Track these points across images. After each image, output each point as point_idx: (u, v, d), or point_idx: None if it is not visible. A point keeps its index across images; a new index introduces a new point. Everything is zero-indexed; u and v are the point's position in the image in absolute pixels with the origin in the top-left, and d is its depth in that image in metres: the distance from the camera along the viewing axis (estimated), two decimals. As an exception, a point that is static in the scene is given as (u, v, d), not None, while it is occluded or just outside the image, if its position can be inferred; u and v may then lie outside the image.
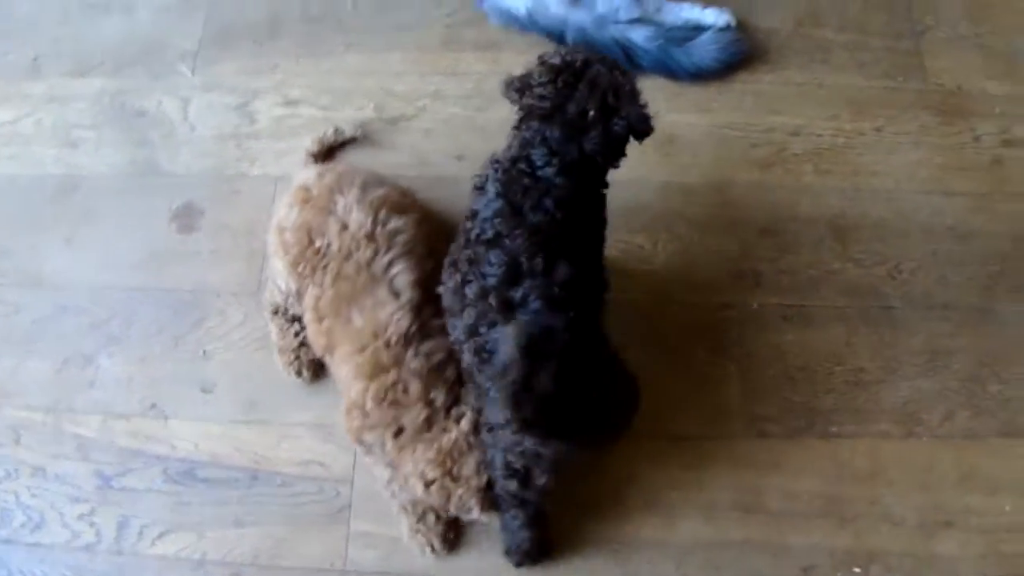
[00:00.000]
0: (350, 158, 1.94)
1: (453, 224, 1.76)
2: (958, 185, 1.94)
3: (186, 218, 1.92)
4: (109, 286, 1.86)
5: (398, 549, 1.61)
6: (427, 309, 1.53)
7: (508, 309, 1.31)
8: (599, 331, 1.38)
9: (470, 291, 1.36)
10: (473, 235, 1.39)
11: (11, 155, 2.02)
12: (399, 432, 1.47)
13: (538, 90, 1.38)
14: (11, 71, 2.12)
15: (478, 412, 1.45)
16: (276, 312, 1.73)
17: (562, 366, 1.19)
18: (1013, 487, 1.67)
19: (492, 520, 1.51)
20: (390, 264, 1.55)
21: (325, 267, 1.55)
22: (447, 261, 1.47)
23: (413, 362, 1.49)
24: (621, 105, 1.37)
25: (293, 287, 1.62)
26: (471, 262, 1.38)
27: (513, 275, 1.32)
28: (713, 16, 2.03)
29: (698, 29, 2.02)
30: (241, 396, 1.75)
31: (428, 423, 1.46)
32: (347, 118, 1.98)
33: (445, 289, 1.45)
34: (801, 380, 1.75)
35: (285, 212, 1.64)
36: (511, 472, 1.39)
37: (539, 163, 1.39)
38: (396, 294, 1.53)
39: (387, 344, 1.49)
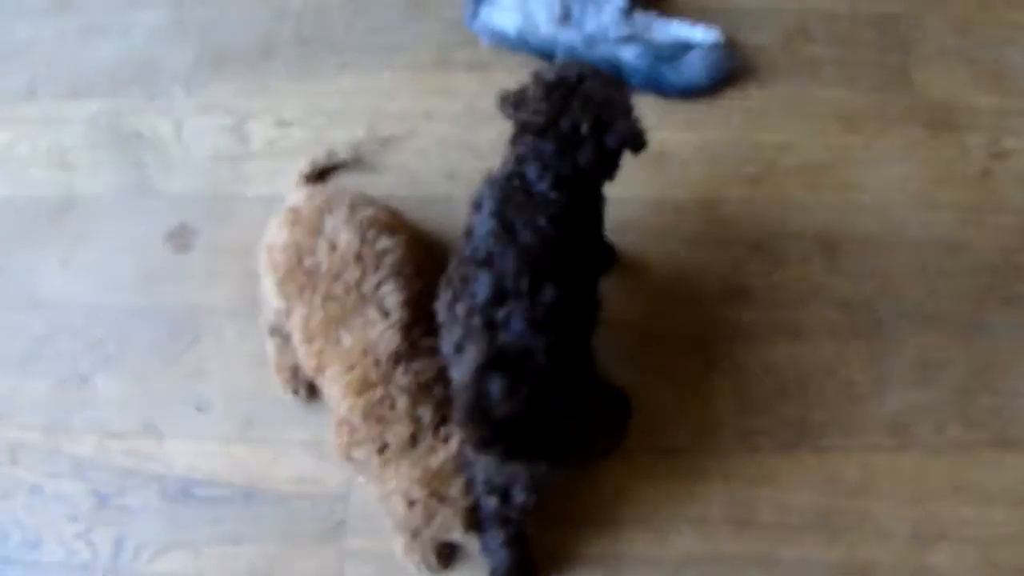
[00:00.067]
0: (341, 179, 1.95)
1: (443, 243, 1.79)
2: (947, 198, 1.95)
3: (181, 238, 1.94)
4: (104, 306, 1.87)
5: (393, 566, 1.61)
6: (416, 329, 1.52)
7: (492, 329, 1.31)
8: (586, 353, 1.39)
9: (460, 308, 1.37)
10: (467, 253, 1.41)
11: (6, 177, 2.03)
12: (383, 448, 1.46)
13: (532, 105, 1.40)
14: (6, 94, 2.14)
15: (462, 429, 1.45)
16: (273, 331, 1.74)
17: (535, 389, 1.20)
18: (1005, 498, 1.67)
19: (471, 540, 1.51)
20: (379, 284, 1.54)
21: (314, 287, 1.55)
22: (444, 276, 1.48)
23: (401, 379, 1.48)
24: (614, 119, 1.39)
25: (283, 306, 1.62)
26: (463, 280, 1.39)
27: (499, 295, 1.33)
28: (702, 33, 2.04)
29: (687, 47, 2.02)
30: (237, 414, 1.76)
31: (413, 439, 1.46)
32: (340, 138, 1.99)
33: (440, 304, 1.46)
34: (793, 394, 1.75)
35: (274, 232, 1.64)
36: (491, 488, 1.40)
37: (533, 178, 1.40)
38: (385, 313, 1.52)
39: (376, 362, 1.49)
